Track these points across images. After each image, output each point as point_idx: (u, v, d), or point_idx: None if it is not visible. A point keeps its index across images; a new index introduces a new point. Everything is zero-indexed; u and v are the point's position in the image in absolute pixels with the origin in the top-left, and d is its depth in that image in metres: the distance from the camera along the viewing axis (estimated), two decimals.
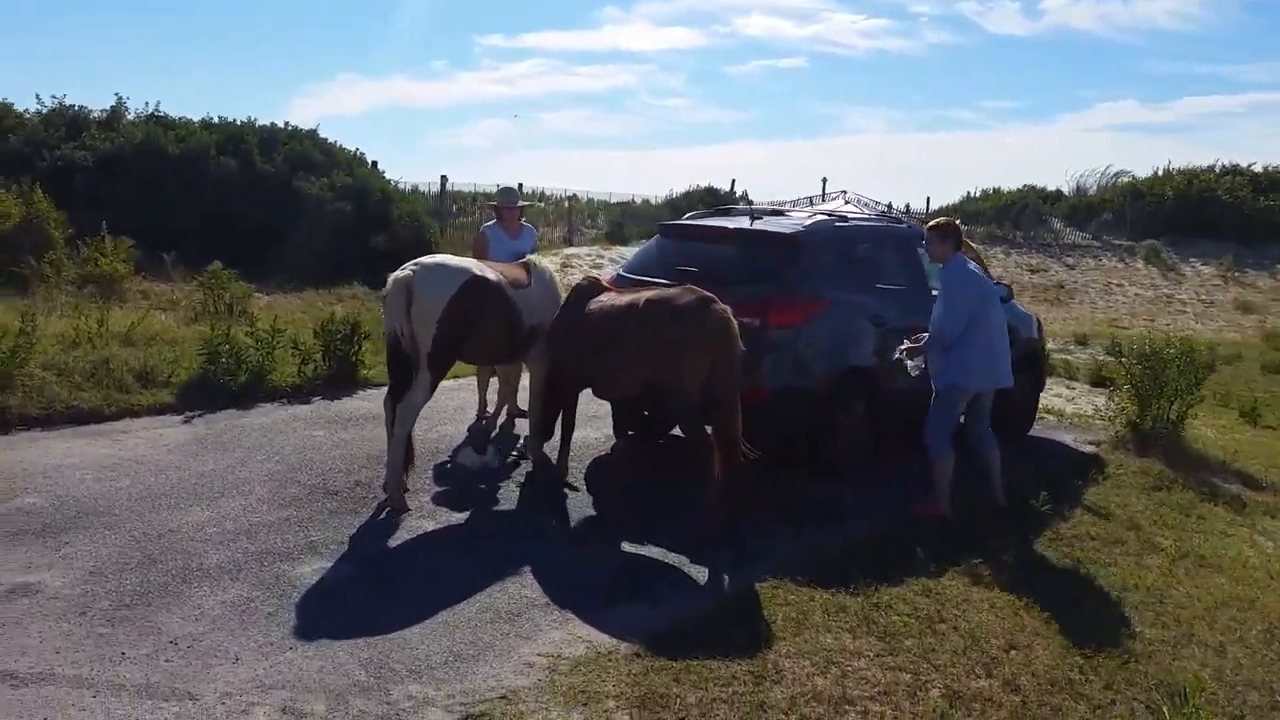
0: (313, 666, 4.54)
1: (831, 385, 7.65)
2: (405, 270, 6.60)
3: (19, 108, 19.11)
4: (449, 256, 7.15)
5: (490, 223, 9.28)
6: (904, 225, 9.22)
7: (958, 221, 7.40)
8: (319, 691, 4.33)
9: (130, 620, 4.87)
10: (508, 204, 9.16)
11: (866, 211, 9.68)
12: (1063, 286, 27.03)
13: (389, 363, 6.83)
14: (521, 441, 8.33)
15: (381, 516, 6.56)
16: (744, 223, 8.19)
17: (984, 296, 7.19)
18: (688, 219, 9.06)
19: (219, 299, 12.76)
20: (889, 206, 9.85)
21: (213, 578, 5.43)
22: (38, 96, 27.70)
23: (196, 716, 4.07)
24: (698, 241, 8.19)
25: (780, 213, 8.82)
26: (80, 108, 19.27)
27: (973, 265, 7.47)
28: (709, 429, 6.54)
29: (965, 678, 4.68)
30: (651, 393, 6.78)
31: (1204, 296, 26.60)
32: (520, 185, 26.10)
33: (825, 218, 8.45)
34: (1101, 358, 16.37)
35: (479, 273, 6.86)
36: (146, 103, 25.47)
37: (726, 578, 5.83)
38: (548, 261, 7.86)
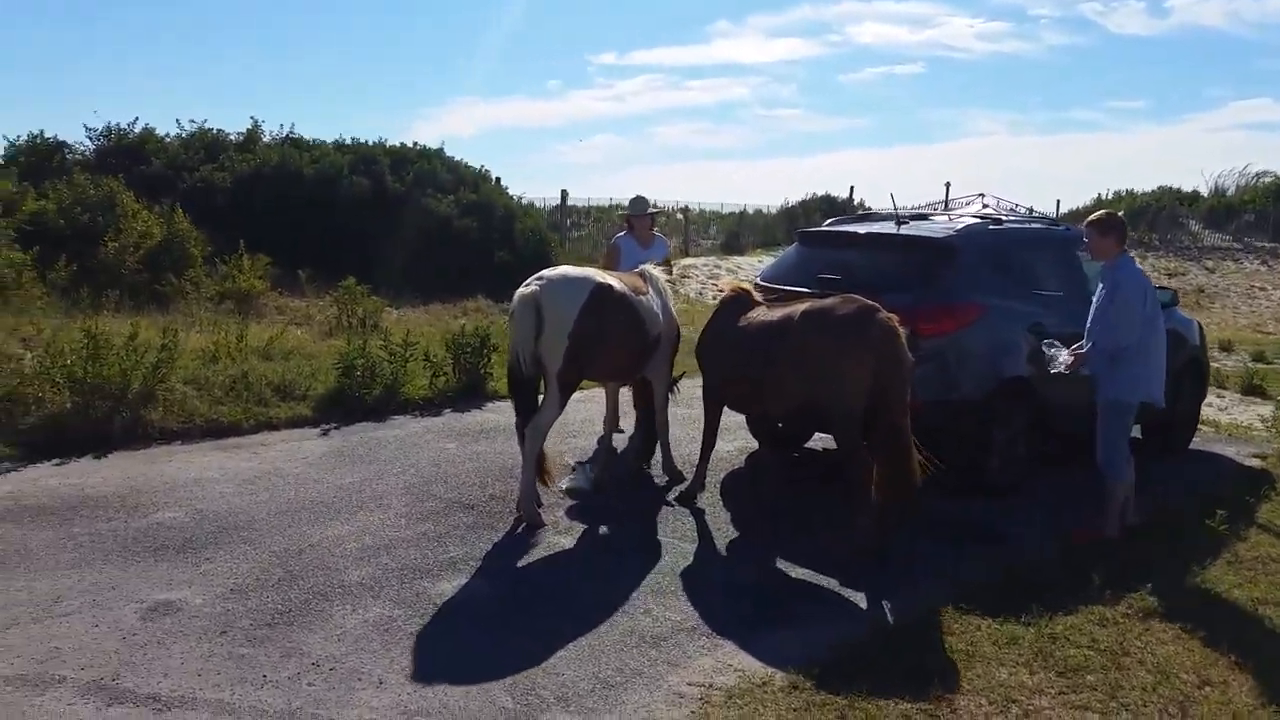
0: (458, 692, 4.37)
1: (988, 397, 7.21)
2: (530, 286, 6.39)
3: (160, 132, 19.87)
4: (569, 267, 6.97)
5: (621, 234, 9.11)
6: (1060, 227, 8.70)
7: (1121, 214, 6.84)
8: (464, 718, 4.15)
9: (271, 640, 4.78)
10: (639, 213, 8.96)
11: (1011, 214, 9.19)
12: (1203, 291, 25.68)
13: (511, 386, 6.62)
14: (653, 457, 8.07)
15: (518, 531, 6.41)
16: (889, 228, 7.82)
17: (1154, 301, 6.67)
18: (829, 225, 8.72)
19: (352, 313, 12.91)
20: (1030, 210, 9.29)
21: (354, 595, 5.32)
22: (178, 121, 28.82)
23: None
24: (841, 248, 7.84)
25: (924, 217, 8.41)
26: (218, 131, 19.96)
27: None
28: (873, 448, 6.14)
29: (1158, 717, 4.25)
30: (811, 409, 6.41)
31: None
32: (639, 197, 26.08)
33: (978, 220, 8.01)
34: (1251, 364, 15.44)
35: (604, 280, 6.63)
36: (281, 125, 26.32)
37: (885, 604, 5.47)
38: (659, 270, 7.61)
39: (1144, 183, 38.08)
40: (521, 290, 6.40)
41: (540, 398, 6.54)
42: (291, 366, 9.99)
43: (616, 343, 6.66)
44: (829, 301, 6.24)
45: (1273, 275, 26.82)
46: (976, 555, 6.28)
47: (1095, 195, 34.28)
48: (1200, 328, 9.67)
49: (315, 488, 7.12)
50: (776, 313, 6.46)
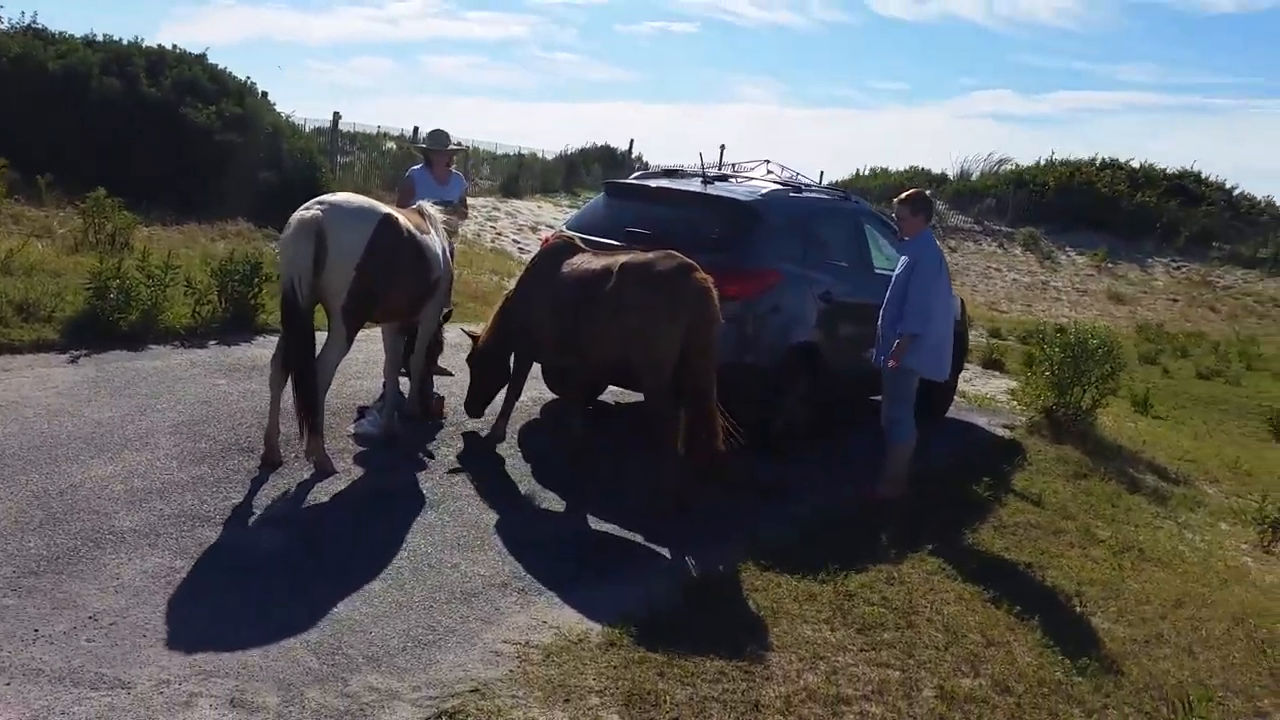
0: (256, 651, 4.07)
1: (779, 362, 7.40)
2: (311, 209, 5.82)
3: None
4: (351, 194, 6.51)
5: (416, 167, 8.67)
6: (852, 200, 9.02)
7: (929, 193, 7.17)
8: (268, 681, 3.88)
9: (39, 590, 4.30)
10: (439, 147, 8.55)
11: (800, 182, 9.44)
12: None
13: (285, 316, 5.92)
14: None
15: (306, 479, 6.04)
16: (696, 186, 7.85)
17: (947, 276, 7.03)
18: (636, 178, 8.65)
19: (100, 229, 11.75)
20: (810, 180, 9.57)
21: (128, 543, 4.86)
22: None
23: (132, 709, 3.57)
24: (650, 203, 7.80)
25: (725, 178, 8.50)
26: None
27: None
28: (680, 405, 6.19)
29: (953, 676, 4.51)
30: (623, 364, 6.39)
31: (1078, 285, 27.53)
32: (415, 129, 25.17)
33: (780, 187, 8.17)
34: (990, 340, 16.75)
35: (390, 211, 6.23)
36: (23, 13, 23.61)
37: (690, 559, 5.54)
38: (436, 210, 7.16)
39: (897, 162, 40.28)
40: (300, 213, 5.85)
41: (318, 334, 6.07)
42: (35, 284, 8.99)
43: (402, 281, 6.29)
44: (649, 256, 6.21)
45: (1008, 257, 29.08)
46: (771, 513, 6.45)
47: (854, 170, 35.84)
48: (963, 303, 10.32)
49: (71, 421, 6.43)
50: (597, 263, 6.40)
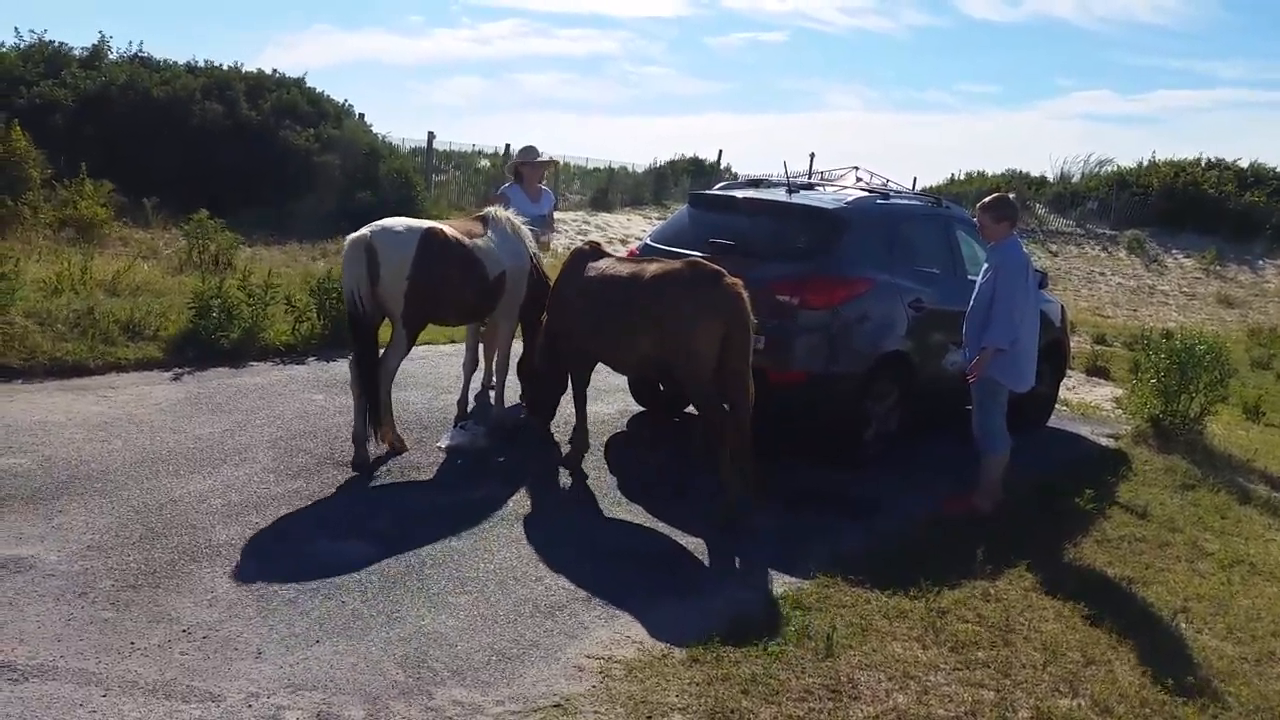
0: (344, 664, 4.13)
1: (868, 371, 7.27)
2: (361, 231, 6.53)
3: None
4: (400, 218, 6.99)
5: (508, 184, 8.79)
6: (943, 206, 8.83)
7: (1012, 196, 6.96)
8: (354, 694, 3.92)
9: (137, 604, 4.42)
10: (529, 160, 8.64)
11: (889, 189, 9.29)
12: (1047, 274, 26.80)
13: (350, 326, 6.61)
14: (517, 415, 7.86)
15: (396, 493, 6.13)
16: (781, 195, 7.77)
17: (1035, 284, 6.83)
18: (720, 189, 8.61)
19: (203, 249, 12.14)
20: (901, 187, 9.41)
21: (224, 556, 4.98)
22: (16, 30, 26.66)
23: None
24: (732, 213, 7.74)
25: (811, 187, 8.40)
26: (61, 44, 18.32)
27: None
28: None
29: (1051, 696, 4.34)
30: (658, 368, 6.53)
31: (1185, 289, 26.53)
32: (508, 146, 25.43)
33: (866, 194, 8.04)
34: (1094, 346, 16.23)
35: (434, 226, 6.80)
36: (130, 42, 24.64)
37: (774, 574, 5.45)
38: (509, 212, 7.50)
39: (990, 164, 39.37)
40: (353, 235, 6.52)
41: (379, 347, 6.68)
42: (140, 304, 9.30)
43: (455, 284, 6.78)
44: (676, 264, 6.32)
45: (1112, 261, 28.19)
46: (856, 527, 6.33)
47: (949, 175, 35.18)
48: (1063, 309, 10.03)
49: (172, 437, 6.64)
50: (625, 269, 6.54)
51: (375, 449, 6.64)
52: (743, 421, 6.20)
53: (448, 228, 6.90)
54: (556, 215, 10.80)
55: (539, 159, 8.71)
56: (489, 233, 7.17)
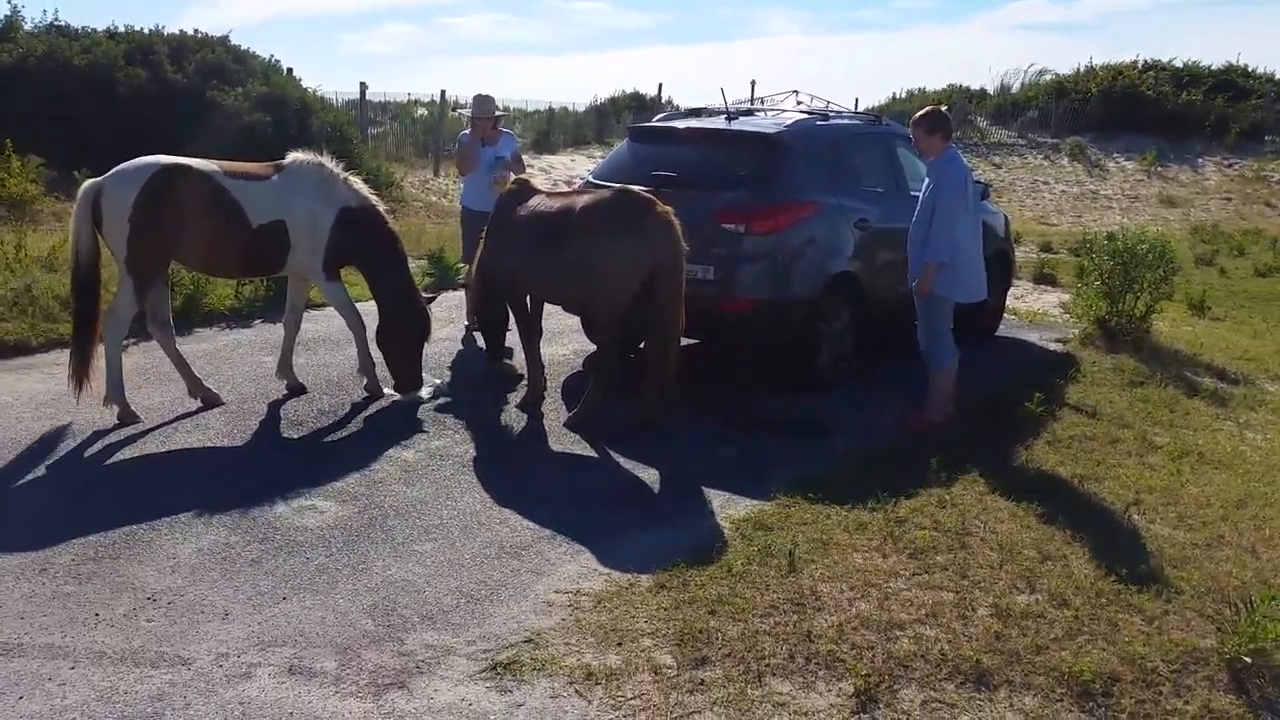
0: (313, 618, 4.14)
1: (819, 293, 7.30)
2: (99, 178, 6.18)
3: None
4: (148, 157, 6.36)
5: (465, 132, 8.91)
6: (884, 124, 8.83)
7: (944, 109, 6.97)
8: (325, 646, 3.93)
9: (98, 575, 4.39)
10: (485, 115, 8.64)
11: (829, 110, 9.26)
12: (990, 185, 26.96)
13: (71, 280, 6.36)
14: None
15: (353, 450, 6.11)
16: (720, 123, 7.73)
17: (975, 195, 6.87)
18: (659, 120, 8.56)
19: None
20: (841, 107, 9.38)
21: (183, 523, 4.95)
22: None
23: (193, 684, 3.64)
24: (673, 144, 7.71)
25: (750, 113, 8.36)
26: None
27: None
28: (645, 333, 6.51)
29: (1009, 593, 4.45)
30: (580, 299, 6.59)
31: (1128, 192, 26.80)
32: (443, 93, 25.06)
33: (806, 116, 8.02)
34: (1040, 254, 16.42)
35: (177, 162, 6.27)
36: (44, 11, 23.89)
37: (736, 498, 5.52)
38: (323, 159, 6.83)
39: (933, 81, 39.34)
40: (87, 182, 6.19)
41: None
42: None
43: (195, 227, 6.26)
44: (606, 194, 6.36)
45: (1055, 169, 28.39)
46: (815, 448, 6.41)
47: (890, 94, 35.09)
48: (1006, 219, 10.11)
49: None
50: (555, 204, 6.56)
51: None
52: (671, 348, 6.35)
53: (205, 166, 6.35)
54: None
55: (494, 113, 8.75)
56: (274, 177, 6.59)
